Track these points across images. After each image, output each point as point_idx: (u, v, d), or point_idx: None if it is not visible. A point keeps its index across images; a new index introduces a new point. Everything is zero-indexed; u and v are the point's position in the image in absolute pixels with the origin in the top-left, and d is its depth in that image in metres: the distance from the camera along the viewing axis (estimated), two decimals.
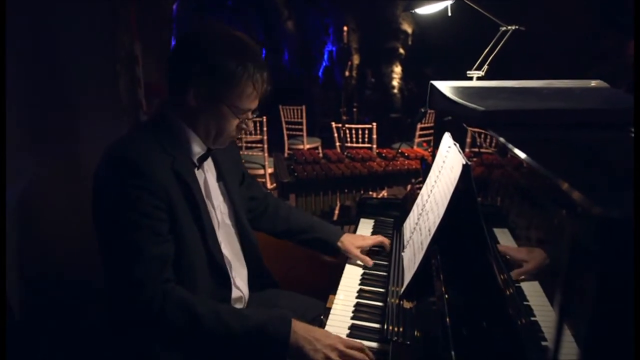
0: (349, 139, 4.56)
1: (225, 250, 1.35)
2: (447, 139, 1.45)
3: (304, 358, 1.09)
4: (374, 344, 1.18)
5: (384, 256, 1.60)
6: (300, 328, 1.13)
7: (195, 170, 1.26)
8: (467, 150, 1.51)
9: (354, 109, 5.83)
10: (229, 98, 1.17)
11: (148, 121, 1.28)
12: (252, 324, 1.12)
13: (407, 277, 1.27)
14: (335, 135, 4.62)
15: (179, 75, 1.18)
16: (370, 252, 1.66)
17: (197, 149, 1.25)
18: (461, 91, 1.28)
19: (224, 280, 1.28)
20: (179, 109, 1.21)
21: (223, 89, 1.16)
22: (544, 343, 0.79)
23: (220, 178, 1.38)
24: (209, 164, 1.33)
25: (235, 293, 1.35)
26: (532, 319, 0.86)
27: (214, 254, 1.25)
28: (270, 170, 4.39)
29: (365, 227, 1.86)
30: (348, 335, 1.22)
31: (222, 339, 1.11)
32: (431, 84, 1.42)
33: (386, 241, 1.62)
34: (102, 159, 1.15)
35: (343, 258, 1.59)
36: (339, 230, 1.62)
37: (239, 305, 1.39)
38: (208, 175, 1.32)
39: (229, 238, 1.39)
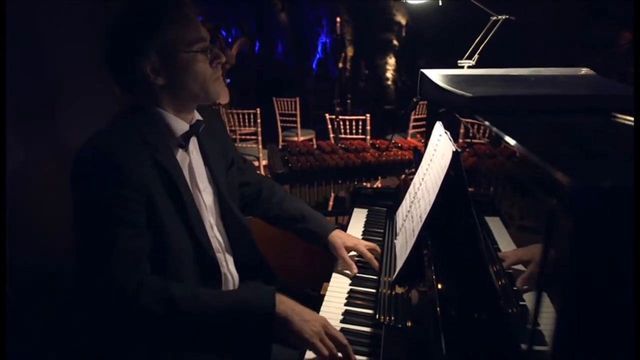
0: (342, 131, 4.56)
1: (217, 232, 1.34)
2: (438, 127, 1.46)
3: (289, 331, 1.05)
4: (367, 329, 1.20)
5: (378, 245, 1.62)
6: (286, 300, 1.09)
7: (181, 151, 1.24)
8: (460, 140, 1.52)
9: (348, 101, 5.82)
10: (174, 41, 1.13)
11: (127, 110, 1.23)
12: (233, 300, 1.08)
13: (399, 263, 1.29)
14: (329, 126, 4.62)
15: (124, 58, 1.15)
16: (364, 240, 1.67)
17: (179, 129, 1.22)
18: (450, 79, 1.30)
19: (213, 268, 1.26)
20: (150, 96, 1.18)
21: (165, 41, 1.12)
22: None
23: (205, 162, 1.35)
24: (194, 145, 1.30)
25: (229, 276, 1.35)
26: (522, 303, 0.88)
27: (202, 242, 1.22)
28: (264, 162, 4.40)
29: (359, 216, 1.88)
30: (342, 321, 1.24)
31: (203, 320, 1.06)
32: (421, 72, 1.43)
33: (378, 249, 1.52)
34: (81, 150, 1.12)
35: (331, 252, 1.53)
36: (330, 224, 1.56)
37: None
38: (193, 157, 1.28)
39: (218, 222, 1.37)
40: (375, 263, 1.47)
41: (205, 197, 1.31)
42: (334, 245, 1.50)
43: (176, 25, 1.14)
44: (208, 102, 1.26)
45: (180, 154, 1.24)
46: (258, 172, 4.43)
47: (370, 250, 1.51)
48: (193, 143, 1.29)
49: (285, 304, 1.07)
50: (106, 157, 1.08)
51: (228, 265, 1.36)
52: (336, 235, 1.52)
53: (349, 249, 1.50)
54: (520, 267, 0.86)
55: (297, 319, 1.06)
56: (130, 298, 1.04)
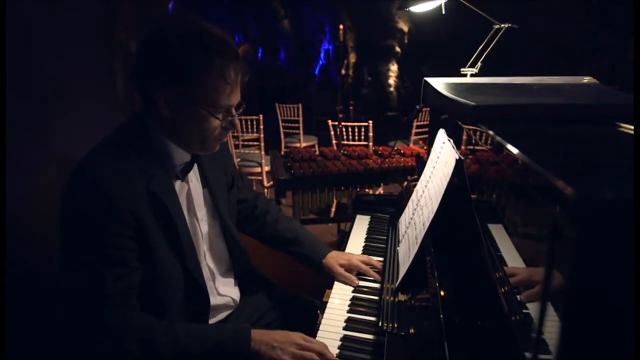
0: (345, 137, 4.57)
1: (210, 260, 1.33)
2: (441, 135, 1.47)
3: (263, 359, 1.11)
4: (370, 336, 1.20)
5: (380, 252, 1.63)
6: (258, 335, 1.13)
7: (179, 182, 1.20)
8: (463, 147, 1.53)
9: (351, 108, 5.83)
10: (202, 98, 1.07)
11: (126, 131, 1.17)
12: (210, 344, 1.10)
13: (402, 271, 1.29)
14: (332, 133, 4.63)
15: (145, 84, 1.09)
16: (366, 248, 1.68)
17: (180, 160, 1.18)
18: (454, 87, 1.31)
19: (202, 297, 1.25)
20: (155, 121, 1.13)
21: (193, 90, 1.06)
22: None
23: (205, 185, 1.31)
24: (195, 173, 1.26)
25: (221, 300, 1.35)
26: (525, 311, 0.88)
27: (193, 273, 1.20)
28: (267, 169, 4.40)
29: (362, 223, 1.88)
30: (345, 329, 1.24)
31: None
32: (425, 81, 1.44)
33: (375, 262, 1.51)
34: (72, 178, 1.08)
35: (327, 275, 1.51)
36: (325, 248, 1.54)
37: (227, 312, 1.39)
38: (193, 185, 1.25)
39: (215, 247, 1.36)
40: (373, 274, 1.48)
41: (203, 226, 1.29)
42: (329, 267, 1.49)
43: (212, 84, 1.06)
44: (195, 152, 1.20)
45: (178, 183, 1.21)
46: (259, 178, 4.46)
47: (365, 262, 1.50)
48: (193, 170, 1.25)
49: (256, 340, 1.12)
50: (98, 191, 1.03)
51: (220, 291, 1.36)
52: (330, 257, 1.51)
53: (343, 267, 1.49)
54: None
55: (266, 349, 1.11)
56: (113, 337, 1.05)
